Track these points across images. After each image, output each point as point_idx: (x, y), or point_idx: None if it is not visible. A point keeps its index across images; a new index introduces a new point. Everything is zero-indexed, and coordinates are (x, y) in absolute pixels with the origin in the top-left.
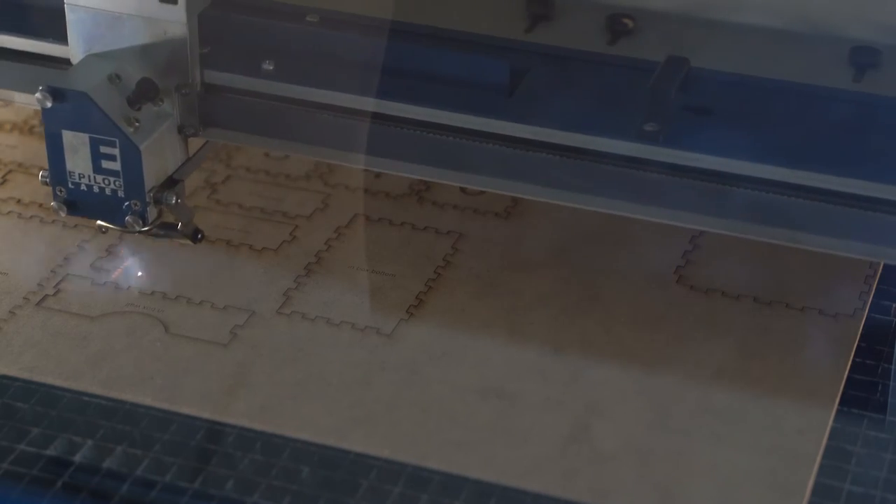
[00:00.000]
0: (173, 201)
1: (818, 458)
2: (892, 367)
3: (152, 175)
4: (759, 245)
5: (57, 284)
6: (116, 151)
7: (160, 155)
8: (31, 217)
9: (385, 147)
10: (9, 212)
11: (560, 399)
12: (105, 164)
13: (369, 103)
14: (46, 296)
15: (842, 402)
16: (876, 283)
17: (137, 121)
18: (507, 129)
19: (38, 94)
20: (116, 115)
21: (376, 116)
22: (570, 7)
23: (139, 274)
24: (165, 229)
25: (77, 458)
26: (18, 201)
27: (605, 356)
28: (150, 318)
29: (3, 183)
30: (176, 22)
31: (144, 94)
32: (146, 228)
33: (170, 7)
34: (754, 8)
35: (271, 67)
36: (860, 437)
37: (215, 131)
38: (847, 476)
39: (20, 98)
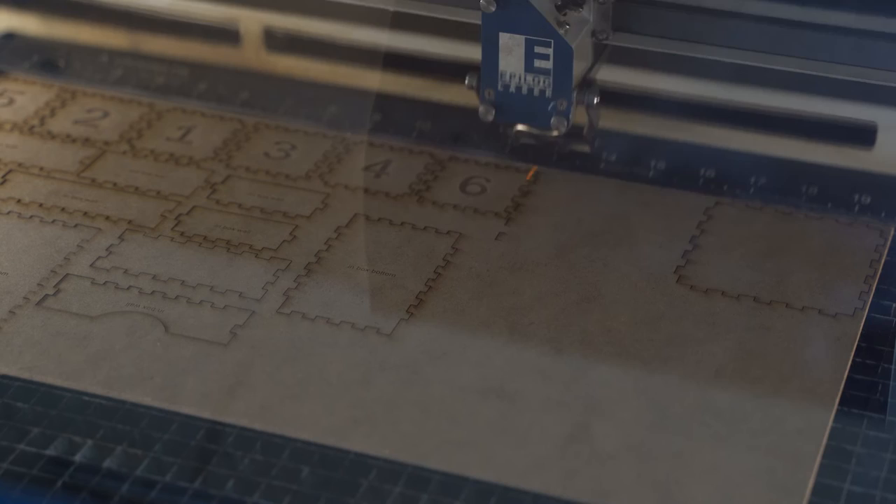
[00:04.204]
0: (594, 101)
1: (818, 458)
2: (892, 367)
3: (576, 76)
4: (759, 245)
5: (57, 284)
6: (550, 52)
7: (582, 57)
8: (31, 217)
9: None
10: (9, 212)
11: (560, 399)
12: (537, 63)
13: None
14: (46, 296)
15: (842, 402)
16: (876, 283)
17: (567, 24)
18: None
19: (482, 1)
20: (551, 19)
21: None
22: None
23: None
24: (568, 137)
25: (77, 458)
26: (18, 201)
27: (605, 356)
28: (150, 318)
29: (3, 183)
30: None
31: (573, 0)
32: (556, 134)
33: None
34: None
35: None
36: (860, 437)
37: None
38: (847, 476)
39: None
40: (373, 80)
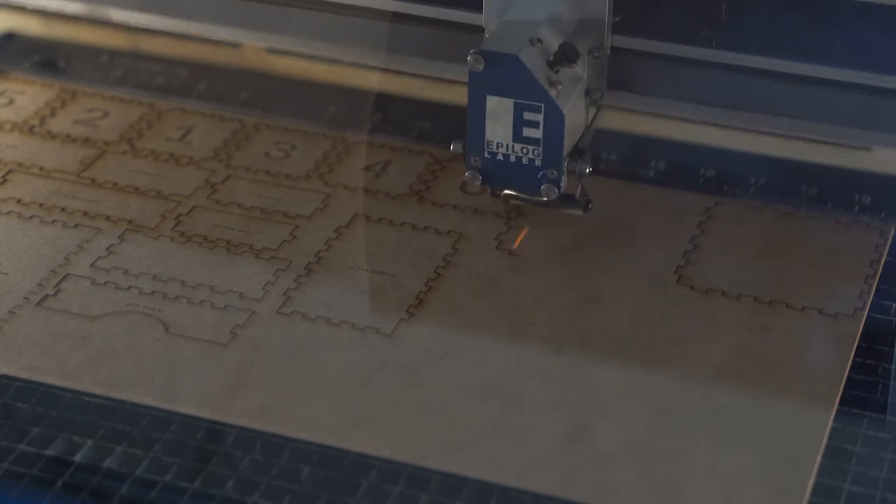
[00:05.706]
0: (587, 171)
1: (818, 458)
2: (892, 367)
3: (568, 142)
4: (759, 245)
5: (57, 284)
6: (540, 117)
7: (574, 120)
8: (31, 217)
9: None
10: (9, 212)
11: (560, 399)
12: (526, 131)
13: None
14: (46, 296)
15: (842, 402)
16: (876, 283)
17: (559, 83)
18: None
19: (469, 58)
20: (542, 78)
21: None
22: None
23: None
24: (561, 200)
25: (77, 458)
26: (18, 201)
27: (605, 356)
28: (150, 318)
29: (3, 183)
30: None
31: (567, 56)
32: (546, 200)
33: None
34: None
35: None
36: (860, 437)
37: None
38: (847, 476)
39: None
40: (373, 80)
